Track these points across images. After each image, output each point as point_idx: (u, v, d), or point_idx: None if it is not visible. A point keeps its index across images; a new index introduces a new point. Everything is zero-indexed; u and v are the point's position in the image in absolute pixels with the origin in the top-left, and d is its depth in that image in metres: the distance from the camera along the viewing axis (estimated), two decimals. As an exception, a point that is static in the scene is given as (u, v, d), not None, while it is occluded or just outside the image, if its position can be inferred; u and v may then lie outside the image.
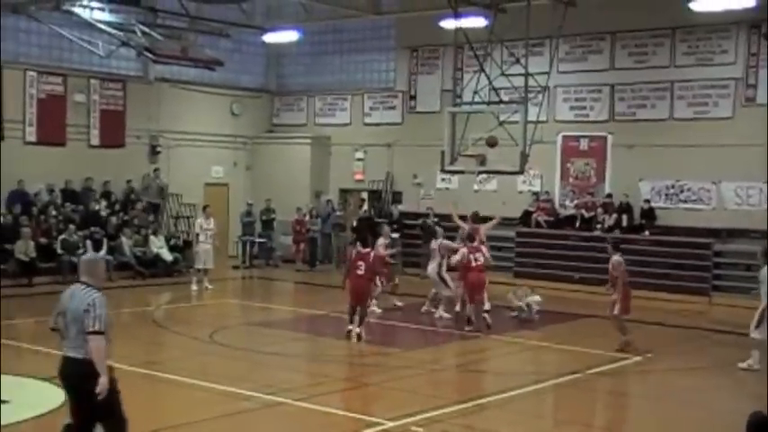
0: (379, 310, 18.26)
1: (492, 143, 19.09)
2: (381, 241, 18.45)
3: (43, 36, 24.15)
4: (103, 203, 24.39)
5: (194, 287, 21.14)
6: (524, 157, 19.44)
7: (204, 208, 22.84)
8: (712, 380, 13.46)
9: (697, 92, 22.49)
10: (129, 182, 25.62)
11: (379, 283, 17.58)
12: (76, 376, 7.19)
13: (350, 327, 15.38)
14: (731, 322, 18.50)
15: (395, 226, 24.65)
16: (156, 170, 26.41)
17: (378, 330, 16.55)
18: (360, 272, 15.43)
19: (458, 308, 17.45)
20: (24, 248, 21.03)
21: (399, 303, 19.16)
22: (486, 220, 19.33)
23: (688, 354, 15.32)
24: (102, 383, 7.04)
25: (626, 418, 11.46)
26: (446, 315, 17.83)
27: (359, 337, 15.24)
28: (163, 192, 26.30)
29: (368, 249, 15.81)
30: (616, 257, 14.83)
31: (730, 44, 22.10)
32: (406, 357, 14.63)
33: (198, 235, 21.76)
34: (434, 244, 18.56)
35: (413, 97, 27.39)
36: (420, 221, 24.86)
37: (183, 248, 24.55)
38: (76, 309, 7.17)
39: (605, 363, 13.71)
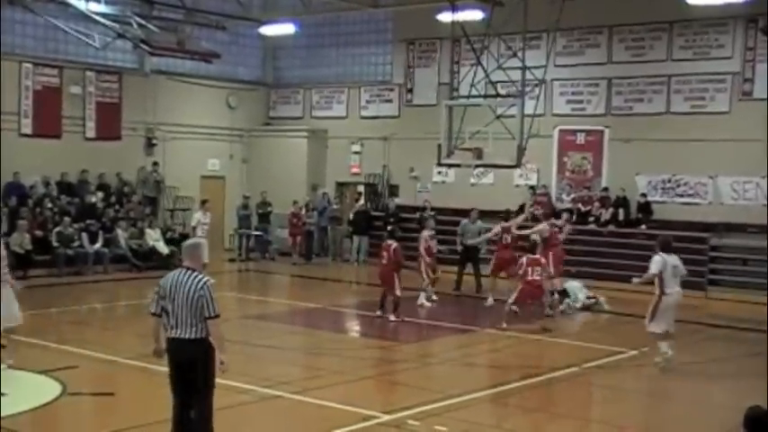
0: (428, 303, 18.53)
1: (478, 155, 19.30)
2: (426, 233, 18.74)
3: (39, 27, 24.07)
4: (99, 195, 24.37)
5: None
6: (521, 151, 19.47)
7: (203, 202, 22.83)
8: (708, 374, 13.49)
9: (694, 86, 22.51)
10: (118, 174, 25.51)
11: (425, 275, 18.36)
12: (190, 355, 7.78)
13: (378, 312, 16.81)
14: (727, 316, 18.58)
15: (392, 219, 24.69)
16: (154, 164, 26.38)
17: (374, 324, 16.57)
18: (383, 261, 16.75)
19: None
20: (20, 241, 21.00)
21: (434, 297, 18.99)
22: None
23: (684, 348, 15.29)
24: (223, 360, 7.78)
25: (621, 413, 11.49)
26: (428, 304, 18.19)
27: (390, 318, 16.54)
28: (159, 185, 26.28)
29: (390, 242, 16.85)
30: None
31: (727, 38, 22.11)
32: (402, 351, 14.67)
33: (195, 228, 21.79)
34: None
35: (410, 90, 27.38)
36: (418, 215, 24.87)
37: (179, 241, 24.49)
38: (189, 293, 7.72)
39: (601, 357, 13.74)
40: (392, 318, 16.53)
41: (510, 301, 16.05)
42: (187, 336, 7.77)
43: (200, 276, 7.83)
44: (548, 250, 17.43)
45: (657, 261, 12.70)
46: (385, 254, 16.75)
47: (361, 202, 27.35)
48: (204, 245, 21.23)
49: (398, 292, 16.56)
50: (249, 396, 10.76)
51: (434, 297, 19.00)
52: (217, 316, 7.76)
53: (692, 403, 11.52)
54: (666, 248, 12.83)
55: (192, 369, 7.82)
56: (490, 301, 18.20)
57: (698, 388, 12.50)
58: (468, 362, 14.17)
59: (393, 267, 16.56)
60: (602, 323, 17.57)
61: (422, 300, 18.45)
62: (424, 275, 18.30)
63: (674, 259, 12.78)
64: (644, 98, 23.27)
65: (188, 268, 7.92)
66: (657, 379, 12.77)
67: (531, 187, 24.65)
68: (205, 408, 7.92)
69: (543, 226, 18.15)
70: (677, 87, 22.75)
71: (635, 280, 13.35)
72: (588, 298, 18.85)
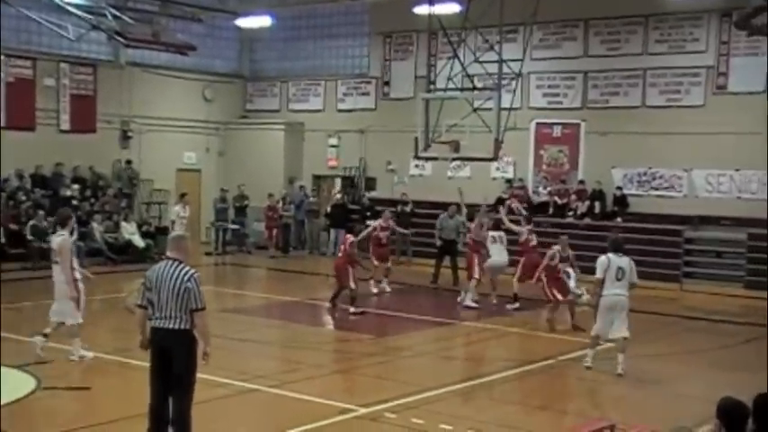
0: (375, 290, 18.98)
1: (455, 148, 19.34)
2: (376, 222, 19.45)
3: (11, 19, 23.75)
4: (75, 188, 24.19)
5: None
6: (498, 144, 19.49)
7: (182, 196, 22.67)
8: (683, 366, 13.62)
9: (669, 79, 22.67)
10: (91, 168, 25.32)
11: (373, 263, 18.93)
12: (174, 345, 7.78)
13: (328, 304, 17.18)
14: (702, 308, 18.75)
15: (368, 213, 24.70)
16: (128, 162, 26.20)
17: (351, 317, 16.58)
18: (339, 254, 17.26)
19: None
20: (-7, 234, 20.84)
21: (388, 288, 19.23)
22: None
23: (659, 340, 15.47)
24: (207, 352, 7.89)
25: (598, 404, 11.58)
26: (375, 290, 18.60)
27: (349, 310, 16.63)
28: (133, 182, 26.13)
29: (348, 235, 17.23)
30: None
31: (702, 32, 22.27)
32: (379, 344, 14.69)
33: (173, 222, 21.69)
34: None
35: (386, 83, 27.39)
36: (398, 208, 24.89)
37: (155, 235, 24.43)
38: (175, 285, 7.74)
39: (577, 349, 13.80)
40: (351, 310, 16.58)
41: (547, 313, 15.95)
42: (171, 326, 7.77)
43: (186, 268, 7.84)
44: (521, 255, 17.91)
45: (601, 263, 12.30)
46: (342, 247, 17.26)
47: (338, 195, 27.32)
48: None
49: (353, 285, 16.67)
50: (226, 390, 10.74)
51: (386, 288, 19.44)
52: (203, 308, 7.81)
53: (667, 394, 11.62)
54: (617, 249, 12.44)
55: (174, 359, 7.79)
56: (468, 300, 18.05)
57: (674, 379, 12.60)
58: (445, 355, 14.22)
59: (347, 260, 16.75)
60: (579, 316, 17.67)
61: (372, 288, 19.08)
62: (374, 263, 19.18)
63: (622, 261, 12.31)
64: (620, 91, 23.40)
65: (174, 260, 7.92)
66: (634, 370, 12.86)
67: (508, 180, 24.74)
68: (185, 401, 7.88)
69: (522, 229, 18.12)
70: (652, 81, 22.90)
71: (584, 297, 13.37)
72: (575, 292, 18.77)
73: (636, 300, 18.98)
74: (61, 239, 12.06)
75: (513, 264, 18.24)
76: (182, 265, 7.86)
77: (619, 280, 12.26)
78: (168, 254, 8.06)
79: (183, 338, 7.81)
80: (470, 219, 18.86)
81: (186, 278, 7.76)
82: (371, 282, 19.28)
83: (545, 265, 15.62)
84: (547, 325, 15.45)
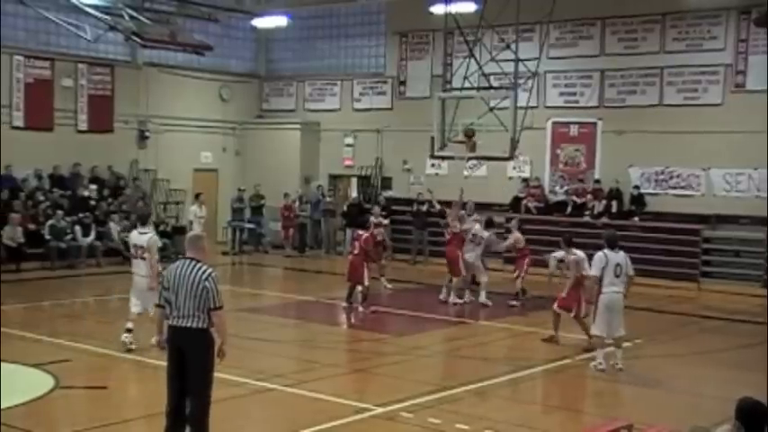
0: (389, 285, 19.16)
1: (469, 134, 19.23)
2: (371, 220, 19.42)
3: (30, 20, 23.97)
4: (92, 188, 24.29)
5: None
6: (514, 143, 19.42)
7: (197, 196, 22.69)
8: (701, 366, 13.53)
9: (687, 78, 22.53)
10: (110, 167, 25.37)
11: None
12: (192, 344, 7.84)
13: (344, 304, 16.96)
14: (720, 308, 18.64)
15: (384, 212, 24.68)
16: (145, 170, 26.21)
17: (368, 316, 16.58)
18: (355, 252, 17.03)
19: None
20: (12, 234, 20.96)
21: (389, 286, 19.32)
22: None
23: (677, 340, 15.39)
24: (224, 350, 7.96)
25: (614, 404, 11.52)
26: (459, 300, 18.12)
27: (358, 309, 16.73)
28: (153, 184, 26.21)
29: (361, 232, 17.17)
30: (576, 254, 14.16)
31: (720, 30, 22.12)
32: (395, 343, 14.67)
33: (191, 222, 21.76)
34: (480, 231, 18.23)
35: (402, 83, 27.35)
36: (414, 208, 24.85)
37: (172, 234, 24.50)
38: (193, 284, 7.80)
39: (594, 349, 13.73)
40: (360, 309, 16.61)
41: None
42: (189, 325, 7.83)
43: (204, 267, 7.90)
44: (522, 260, 18.08)
45: (598, 260, 12.24)
46: (356, 244, 17.20)
47: (354, 194, 27.31)
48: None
49: (366, 283, 16.70)
50: (242, 389, 10.76)
51: (388, 285, 19.52)
52: (221, 307, 7.88)
53: (685, 394, 11.56)
54: (612, 245, 12.38)
55: (191, 358, 7.85)
56: (483, 298, 18.04)
57: (691, 379, 12.53)
58: (461, 354, 14.19)
59: (363, 258, 16.80)
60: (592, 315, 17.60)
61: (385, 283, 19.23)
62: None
63: (619, 257, 12.28)
64: (637, 90, 23.27)
65: (192, 259, 7.98)
66: (651, 370, 12.81)
67: (525, 179, 24.67)
68: (202, 400, 7.90)
69: (518, 235, 18.22)
70: (670, 79, 22.77)
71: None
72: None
73: (653, 299, 19.04)
74: (149, 237, 12.82)
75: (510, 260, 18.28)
76: (199, 264, 7.91)
77: (617, 276, 12.23)
78: (186, 253, 8.13)
79: (200, 337, 7.86)
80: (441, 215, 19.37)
81: (204, 277, 7.81)
82: (382, 279, 19.35)
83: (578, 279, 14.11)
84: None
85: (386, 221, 21.04)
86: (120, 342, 12.69)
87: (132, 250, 13.07)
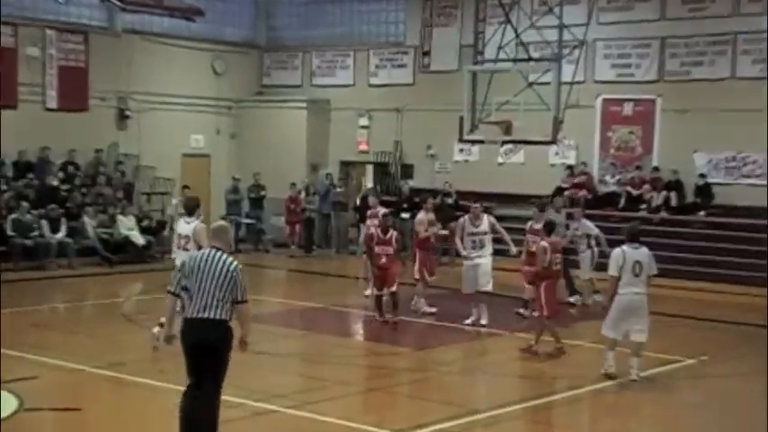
0: (367, 292, 18.48)
1: (506, 129, 19.22)
2: (421, 216, 18.30)
3: (-11, -22, 24.09)
4: (61, 176, 24.36)
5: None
6: (557, 125, 19.41)
7: (183, 188, 22.44)
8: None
9: (764, 46, 22.39)
10: (72, 151, 25.20)
11: (423, 276, 17.77)
12: (212, 337, 8.67)
13: (383, 316, 16.53)
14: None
15: (405, 206, 24.68)
16: (119, 163, 26.18)
17: (384, 326, 16.58)
18: (383, 260, 16.28)
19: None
20: (-31, 230, 21.09)
21: (431, 310, 17.93)
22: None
23: (749, 356, 15.29)
24: (246, 341, 8.96)
25: (676, 431, 11.48)
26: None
27: (395, 324, 16.28)
28: (133, 174, 26.31)
29: (388, 236, 16.42)
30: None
31: (804, -11, 22.00)
32: (417, 357, 14.67)
33: (172, 219, 21.32)
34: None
35: (426, 54, 27.34)
36: (437, 199, 24.81)
37: (157, 230, 24.60)
38: (219, 274, 8.66)
39: (650, 366, 13.67)
40: (393, 318, 16.44)
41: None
42: (210, 316, 8.61)
43: (230, 258, 8.79)
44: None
45: (616, 258, 12.49)
46: (384, 249, 16.43)
47: (370, 184, 27.32)
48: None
49: (394, 288, 16.45)
50: (239, 411, 10.77)
51: (430, 309, 18.06)
52: (246, 301, 8.78)
53: (758, 422, 11.47)
54: (633, 239, 12.61)
55: (210, 351, 8.67)
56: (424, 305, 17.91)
57: (765, 403, 12.45)
58: (492, 371, 14.16)
59: (396, 258, 16.59)
60: (654, 325, 17.50)
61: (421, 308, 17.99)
62: (423, 276, 17.92)
63: (639, 254, 12.47)
64: (704, 61, 23.16)
65: (217, 249, 8.84)
66: (718, 393, 12.75)
67: (569, 167, 24.61)
68: (216, 392, 8.78)
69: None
70: (744, 48, 22.64)
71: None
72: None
73: (721, 307, 18.93)
74: (197, 225, 13.61)
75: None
76: (225, 255, 8.79)
77: (637, 276, 12.42)
78: (212, 243, 9.03)
79: (221, 329, 8.68)
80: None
81: (231, 268, 8.71)
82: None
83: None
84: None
85: (383, 210, 20.14)
86: (150, 334, 13.33)
87: (176, 240, 14.07)
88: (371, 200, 20.42)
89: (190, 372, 8.85)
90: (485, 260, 16.49)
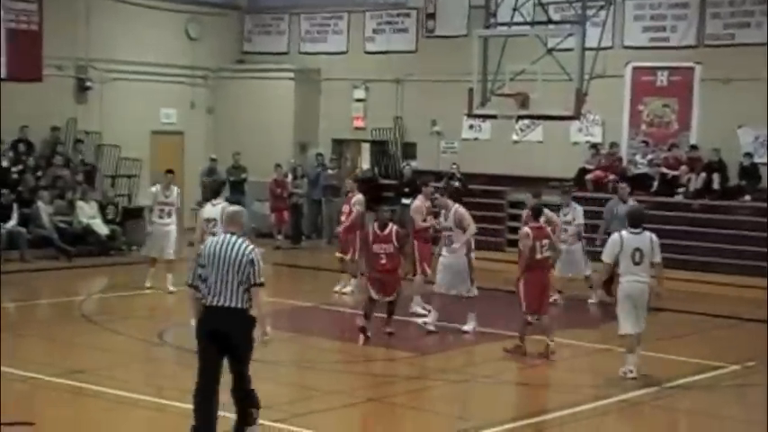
0: (349, 288, 18.88)
1: (522, 102, 19.23)
2: (418, 203, 17.96)
3: None
4: (12, 156, 24.32)
5: (148, 283, 19.66)
6: (581, 97, 19.41)
7: (167, 172, 21.44)
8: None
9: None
10: (24, 128, 25.10)
11: (423, 269, 17.51)
12: (233, 325, 9.41)
13: (362, 324, 15.42)
14: None
15: (406, 189, 24.67)
16: (78, 141, 26.16)
17: (382, 329, 16.56)
18: (383, 261, 15.42)
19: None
20: None
21: (423, 311, 17.64)
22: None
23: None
24: (268, 333, 9.71)
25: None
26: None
27: (390, 334, 15.77)
28: (96, 152, 26.31)
29: (387, 231, 15.55)
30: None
31: None
32: (419, 364, 14.68)
33: (151, 211, 20.49)
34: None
35: (431, 16, 27.33)
36: (442, 182, 24.83)
37: (123, 219, 24.57)
38: (235, 259, 9.35)
39: (689, 373, 13.71)
40: (390, 330, 15.89)
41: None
42: (229, 304, 9.33)
43: (247, 242, 9.49)
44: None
45: (612, 244, 13.00)
46: (383, 246, 15.60)
47: (366, 166, 27.32)
48: (170, 232, 20.38)
49: (393, 298, 15.79)
50: (220, 424, 10.77)
51: (429, 324, 17.30)
52: (263, 284, 9.43)
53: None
54: (635, 224, 13.08)
55: (233, 340, 9.41)
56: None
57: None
58: (507, 379, 14.17)
59: (398, 264, 15.75)
60: (686, 327, 17.50)
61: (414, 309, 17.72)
62: (423, 271, 17.67)
63: (640, 240, 12.88)
64: (750, 22, 23.14)
65: (232, 233, 9.55)
66: (765, 404, 12.74)
67: (594, 145, 24.60)
68: (247, 375, 9.65)
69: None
70: (799, 7, 22.64)
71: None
72: None
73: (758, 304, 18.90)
74: (222, 207, 14.35)
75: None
76: (241, 239, 9.48)
77: (637, 264, 12.82)
78: (227, 228, 9.76)
79: (242, 317, 9.41)
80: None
81: (248, 251, 9.36)
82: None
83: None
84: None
85: (358, 197, 19.75)
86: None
87: (203, 225, 15.14)
88: (348, 182, 20.28)
89: (201, 370, 9.45)
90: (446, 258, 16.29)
